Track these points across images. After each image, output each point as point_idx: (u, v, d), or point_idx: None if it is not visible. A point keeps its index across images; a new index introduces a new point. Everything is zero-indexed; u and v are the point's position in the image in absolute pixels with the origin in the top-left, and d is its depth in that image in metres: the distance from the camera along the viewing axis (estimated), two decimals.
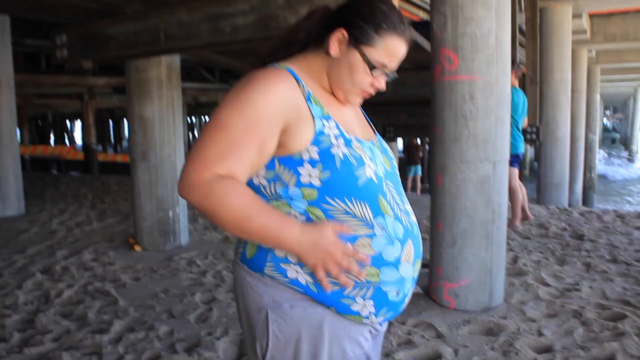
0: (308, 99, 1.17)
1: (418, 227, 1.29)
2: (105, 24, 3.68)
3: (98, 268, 4.27)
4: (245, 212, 1.08)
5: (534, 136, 6.16)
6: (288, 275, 1.14)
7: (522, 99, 5.23)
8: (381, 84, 1.25)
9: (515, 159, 5.28)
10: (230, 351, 2.75)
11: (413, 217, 1.27)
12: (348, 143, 1.16)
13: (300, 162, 1.14)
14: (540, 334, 2.86)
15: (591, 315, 3.04)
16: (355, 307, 1.16)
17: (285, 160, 1.15)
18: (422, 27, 4.63)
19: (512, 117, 5.04)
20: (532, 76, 7.00)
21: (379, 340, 1.35)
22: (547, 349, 2.70)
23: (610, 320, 2.99)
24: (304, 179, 1.14)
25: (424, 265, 4.01)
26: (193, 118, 33.62)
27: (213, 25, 3.08)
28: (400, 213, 1.21)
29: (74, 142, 31.54)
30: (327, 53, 1.21)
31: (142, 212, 4.78)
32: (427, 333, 2.90)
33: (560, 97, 7.63)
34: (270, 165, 1.16)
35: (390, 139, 9.51)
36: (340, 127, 1.19)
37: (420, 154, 12.83)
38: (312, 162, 1.13)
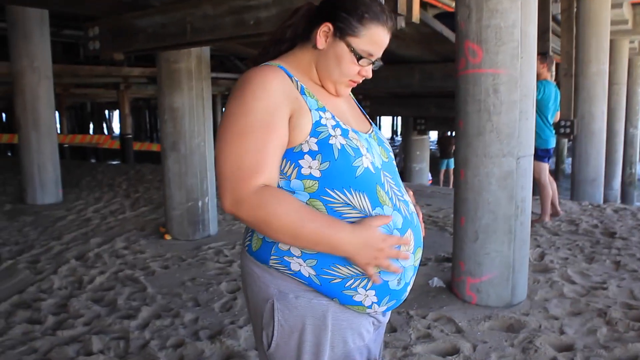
0: (302, 92, 1.21)
1: (417, 216, 1.31)
2: (134, 17, 3.76)
3: (129, 256, 4.40)
4: (298, 219, 1.12)
5: (567, 130, 5.99)
6: (292, 268, 1.18)
7: (553, 92, 5.11)
8: (368, 72, 1.29)
9: (546, 154, 5.17)
10: (252, 340, 2.81)
11: (412, 207, 1.30)
12: (345, 134, 1.20)
13: (301, 155, 1.18)
14: (562, 332, 2.82)
15: (617, 315, 2.98)
16: (357, 298, 1.19)
17: (287, 153, 1.19)
18: (448, 19, 4.58)
19: (541, 110, 4.94)
20: (567, 68, 6.82)
21: (381, 332, 1.39)
22: (568, 348, 2.66)
23: (636, 321, 2.92)
24: (305, 171, 1.17)
25: (447, 260, 4.00)
26: None
27: (237, 18, 3.12)
28: (399, 203, 1.24)
29: (113, 131, 32.29)
30: (315, 47, 1.26)
31: (172, 201, 4.89)
32: (446, 328, 2.90)
33: (596, 89, 7.37)
34: None
35: (421, 131, 9.42)
36: (337, 118, 1.23)
37: (453, 147, 12.64)
38: (312, 154, 1.17)
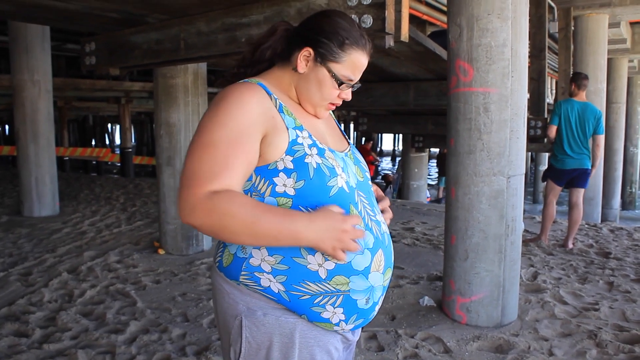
0: (280, 110, 1.22)
1: (390, 236, 1.32)
2: (130, 33, 3.81)
3: (122, 270, 4.39)
4: (253, 215, 1.08)
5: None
6: (262, 284, 1.18)
7: (570, 111, 5.02)
8: (347, 95, 1.31)
9: (557, 175, 5.04)
10: None
11: (385, 227, 1.30)
12: (321, 153, 1.21)
13: (276, 172, 1.18)
14: (551, 353, 2.79)
15: (607, 337, 2.95)
16: (325, 315, 1.19)
17: (261, 170, 1.19)
18: (441, 37, 4.59)
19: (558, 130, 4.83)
20: (564, 87, 6.85)
21: (352, 349, 1.38)
22: None
23: (627, 343, 2.89)
24: (279, 189, 1.18)
25: (439, 279, 3.98)
26: None
27: (229, 35, 3.15)
28: (370, 223, 1.25)
29: (115, 144, 32.39)
30: (295, 69, 1.26)
31: (167, 216, 4.88)
32: (434, 347, 2.87)
33: None
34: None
35: (419, 149, 9.44)
36: (314, 137, 1.23)
37: None
38: (287, 172, 1.17)
